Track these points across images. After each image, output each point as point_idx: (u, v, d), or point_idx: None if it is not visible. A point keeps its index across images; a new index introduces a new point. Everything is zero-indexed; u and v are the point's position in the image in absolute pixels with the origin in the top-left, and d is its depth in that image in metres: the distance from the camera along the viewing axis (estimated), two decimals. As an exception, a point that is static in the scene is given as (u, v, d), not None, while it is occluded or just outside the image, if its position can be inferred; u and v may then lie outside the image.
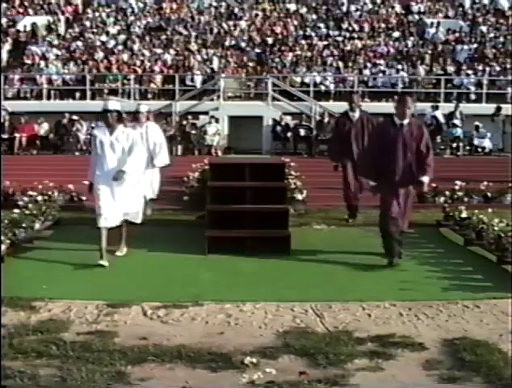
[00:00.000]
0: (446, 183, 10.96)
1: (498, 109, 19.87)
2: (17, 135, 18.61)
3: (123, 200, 7.12)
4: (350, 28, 26.07)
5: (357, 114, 9.58)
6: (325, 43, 24.89)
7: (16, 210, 8.39)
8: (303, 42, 24.79)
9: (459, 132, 19.27)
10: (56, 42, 24.58)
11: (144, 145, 8.99)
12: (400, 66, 23.03)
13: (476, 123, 19.50)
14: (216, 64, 23.20)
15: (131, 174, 7.09)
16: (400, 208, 7.08)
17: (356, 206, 9.69)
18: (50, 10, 27.21)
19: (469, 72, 22.89)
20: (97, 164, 7.16)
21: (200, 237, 7.80)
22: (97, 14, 27.12)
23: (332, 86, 21.83)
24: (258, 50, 24.31)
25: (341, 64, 23.22)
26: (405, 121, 7.09)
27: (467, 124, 19.58)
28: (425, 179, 7.09)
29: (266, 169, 8.50)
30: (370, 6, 27.86)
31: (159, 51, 23.93)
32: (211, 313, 5.41)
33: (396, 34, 25.64)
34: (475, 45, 24.63)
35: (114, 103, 7.28)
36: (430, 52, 24.24)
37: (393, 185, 7.04)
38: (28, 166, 14.57)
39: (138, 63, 22.89)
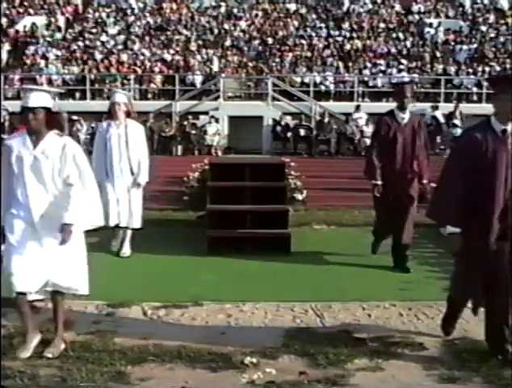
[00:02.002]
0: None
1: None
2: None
3: (53, 262, 4.40)
4: (350, 28, 26.09)
5: (407, 115, 6.84)
6: (325, 43, 24.91)
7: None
8: (303, 42, 24.81)
9: (459, 132, 19.21)
10: (56, 42, 24.60)
11: (123, 153, 7.25)
12: (401, 66, 23.04)
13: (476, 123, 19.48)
14: (216, 64, 23.21)
15: (77, 224, 4.43)
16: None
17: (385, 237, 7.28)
18: (50, 10, 27.23)
19: (469, 72, 22.91)
20: (12, 196, 4.41)
21: (200, 237, 7.80)
22: (97, 14, 27.13)
23: (332, 86, 21.84)
24: (258, 50, 24.32)
25: (341, 64, 23.23)
26: (509, 126, 4.37)
27: (467, 124, 19.57)
28: None
29: (266, 169, 8.49)
30: (370, 6, 27.88)
31: (159, 51, 23.94)
32: (211, 313, 5.41)
33: (397, 34, 25.66)
34: (475, 45, 24.64)
35: (38, 97, 4.39)
36: (429, 52, 24.26)
37: (493, 231, 4.28)
38: (28, 166, 14.55)
39: (138, 63, 22.90)
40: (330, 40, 25.23)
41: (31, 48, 23.74)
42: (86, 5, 28.08)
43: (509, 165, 4.28)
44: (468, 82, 22.32)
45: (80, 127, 18.93)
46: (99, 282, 6.33)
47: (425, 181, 6.87)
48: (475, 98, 21.80)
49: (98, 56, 23.29)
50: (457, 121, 19.46)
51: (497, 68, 22.99)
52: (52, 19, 26.36)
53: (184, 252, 7.60)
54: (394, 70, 22.92)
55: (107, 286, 6.22)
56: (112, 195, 7.27)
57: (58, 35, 25.22)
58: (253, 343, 4.66)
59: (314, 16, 27.23)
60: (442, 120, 19.48)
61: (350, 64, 23.34)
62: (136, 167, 7.30)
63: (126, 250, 7.49)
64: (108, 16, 26.96)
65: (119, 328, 5.01)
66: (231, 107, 19.94)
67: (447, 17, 27.34)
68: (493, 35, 25.49)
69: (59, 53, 23.60)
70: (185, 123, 19.17)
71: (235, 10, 27.60)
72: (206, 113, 19.51)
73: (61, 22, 26.55)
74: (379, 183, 6.77)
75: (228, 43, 24.96)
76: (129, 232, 7.49)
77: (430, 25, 26.05)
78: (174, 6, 27.68)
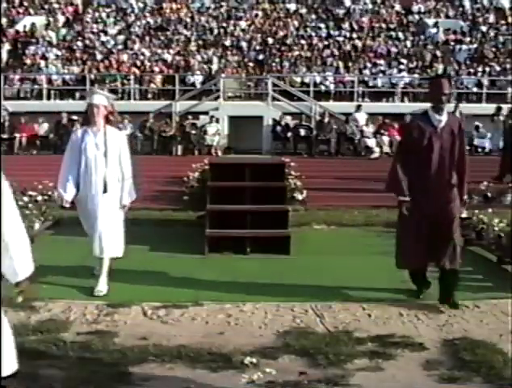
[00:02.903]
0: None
1: (498, 109, 19.88)
2: (17, 135, 18.61)
3: None
4: (350, 28, 26.10)
5: (444, 117, 5.55)
6: (325, 43, 24.92)
7: (16, 210, 8.36)
8: (303, 42, 24.82)
9: (459, 132, 19.26)
10: (56, 42, 24.61)
11: (100, 166, 5.99)
12: (401, 66, 23.05)
13: (476, 123, 19.49)
14: (216, 64, 23.22)
15: None
16: None
17: (424, 270, 5.98)
18: (50, 10, 27.24)
19: (469, 72, 22.92)
20: None
21: (200, 237, 7.80)
22: (97, 14, 27.15)
23: (332, 86, 21.85)
24: (257, 51, 24.33)
25: (341, 64, 23.24)
26: None
27: (467, 124, 19.55)
28: None
29: (266, 169, 8.49)
30: (370, 6, 27.90)
31: (159, 51, 23.96)
32: (211, 313, 5.40)
33: (397, 34, 25.68)
34: (475, 45, 24.65)
35: None
36: (430, 52, 24.27)
37: None
38: (28, 166, 14.56)
39: (138, 63, 22.91)
40: (330, 40, 25.24)
41: (31, 48, 23.74)
42: (86, 5, 28.09)
43: None
44: (468, 82, 22.32)
45: (80, 127, 18.94)
46: (99, 282, 6.34)
47: (463, 197, 5.76)
48: (475, 98, 21.80)
49: (98, 56, 23.30)
50: (457, 121, 19.44)
51: (497, 68, 23.00)
52: (52, 19, 26.36)
53: (184, 252, 7.60)
54: (394, 70, 22.92)
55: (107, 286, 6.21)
56: (94, 217, 6.02)
57: (59, 35, 25.22)
58: (253, 343, 4.66)
59: (314, 16, 27.25)
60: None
61: (350, 64, 23.35)
62: (115, 183, 6.03)
63: (102, 286, 5.99)
64: (108, 16, 26.98)
65: (119, 328, 5.00)
66: (231, 107, 19.94)
67: (447, 17, 27.37)
68: (492, 34, 25.50)
69: (59, 53, 23.61)
70: (185, 123, 19.17)
71: (235, 10, 27.61)
72: (206, 113, 19.51)
73: (61, 22, 26.56)
74: (407, 198, 5.55)
75: (228, 43, 24.97)
76: (106, 262, 6.07)
77: (431, 25, 26.06)
78: (174, 6, 27.70)
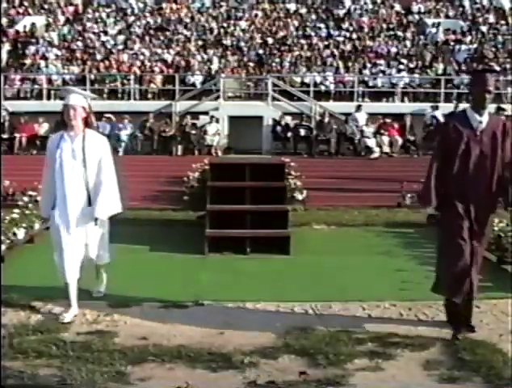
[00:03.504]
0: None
1: (498, 109, 19.86)
2: (17, 135, 18.59)
3: None
4: (350, 28, 26.10)
5: (485, 118, 4.85)
6: (326, 43, 24.92)
7: (16, 210, 8.39)
8: (303, 42, 24.82)
9: (459, 132, 19.22)
10: (56, 42, 24.61)
11: (78, 175, 5.27)
12: (401, 66, 23.03)
13: (476, 123, 19.46)
14: (216, 64, 23.21)
15: None
16: None
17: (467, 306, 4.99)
18: (50, 10, 27.24)
19: (470, 71, 22.91)
20: None
21: (200, 237, 7.80)
22: (97, 14, 27.14)
23: (332, 86, 21.83)
24: (257, 51, 24.32)
25: (341, 64, 23.22)
26: None
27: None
28: None
29: (266, 169, 8.50)
30: (370, 6, 27.90)
31: (159, 51, 23.95)
32: (211, 313, 5.41)
33: (396, 34, 25.67)
34: (475, 45, 24.64)
35: None
36: (430, 52, 24.26)
37: None
38: (28, 166, 14.54)
39: (138, 63, 22.90)
40: (330, 40, 25.23)
41: (31, 48, 23.72)
42: (86, 5, 28.08)
43: None
44: (468, 82, 22.30)
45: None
46: (99, 282, 6.33)
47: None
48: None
49: (98, 57, 23.29)
50: (457, 121, 19.41)
51: (497, 68, 22.97)
52: (52, 19, 26.34)
53: (184, 252, 7.61)
54: (394, 70, 22.91)
55: (107, 286, 6.22)
56: (67, 237, 5.22)
57: (59, 35, 25.20)
58: (253, 343, 4.66)
59: (314, 16, 27.25)
60: (442, 120, 19.46)
61: (350, 64, 23.32)
62: (95, 194, 5.28)
63: (101, 287, 5.89)
64: (108, 16, 26.96)
65: (119, 328, 5.01)
66: (231, 107, 19.92)
67: (447, 17, 27.35)
68: (492, 34, 25.49)
69: (59, 53, 23.60)
70: (185, 123, 19.15)
71: (235, 10, 27.59)
72: (206, 113, 19.49)
73: (61, 22, 26.55)
74: (432, 212, 4.89)
75: (228, 43, 24.96)
76: (102, 268, 5.83)
77: (431, 25, 26.06)
78: (174, 6, 27.69)
